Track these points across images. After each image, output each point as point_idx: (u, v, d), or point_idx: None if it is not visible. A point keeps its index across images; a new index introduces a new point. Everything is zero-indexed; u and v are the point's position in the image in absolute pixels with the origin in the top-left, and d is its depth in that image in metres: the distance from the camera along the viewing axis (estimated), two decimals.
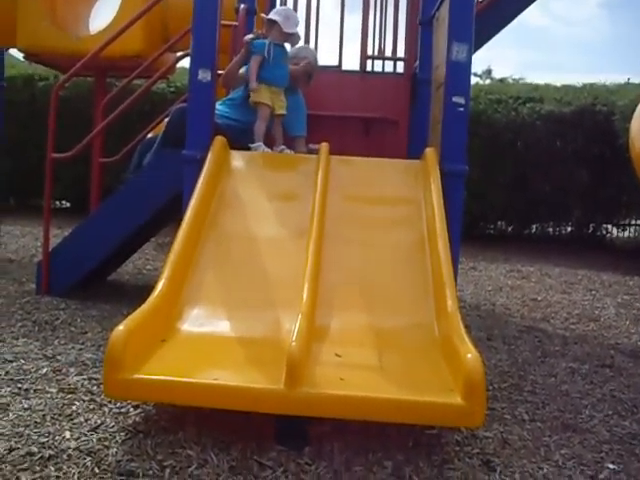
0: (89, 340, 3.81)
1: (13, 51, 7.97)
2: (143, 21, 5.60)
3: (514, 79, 26.17)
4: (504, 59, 60.35)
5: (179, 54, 6.04)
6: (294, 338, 2.46)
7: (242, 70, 4.59)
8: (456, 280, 3.23)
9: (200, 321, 2.92)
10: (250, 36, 4.41)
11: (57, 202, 10.77)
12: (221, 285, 3.12)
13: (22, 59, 7.84)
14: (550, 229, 10.64)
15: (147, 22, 6.02)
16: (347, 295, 3.10)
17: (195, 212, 3.38)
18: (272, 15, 4.38)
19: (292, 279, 3.03)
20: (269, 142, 4.34)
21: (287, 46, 4.48)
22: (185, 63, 5.85)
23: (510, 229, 10.61)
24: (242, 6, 5.19)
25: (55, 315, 4.30)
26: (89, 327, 4.09)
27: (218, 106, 4.48)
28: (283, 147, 4.32)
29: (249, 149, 4.19)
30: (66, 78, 5.21)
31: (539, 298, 6.04)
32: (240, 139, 4.22)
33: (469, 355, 2.42)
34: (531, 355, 4.11)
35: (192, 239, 3.27)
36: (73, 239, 4.89)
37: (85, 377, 3.17)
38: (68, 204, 10.91)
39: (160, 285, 2.90)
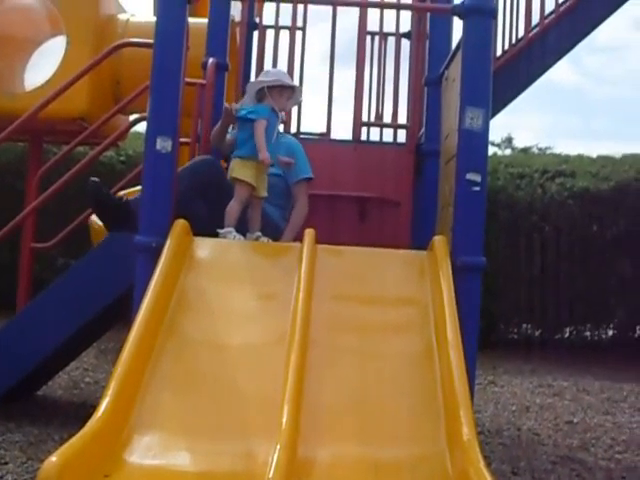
0: (10, 473, 3.76)
1: None
2: (90, 76, 5.71)
3: (540, 149, 26.85)
4: (527, 125, 61.31)
5: (133, 117, 6.14)
6: (272, 474, 2.43)
7: (228, 136, 4.73)
8: (472, 399, 3.23)
9: (153, 452, 2.87)
10: (235, 105, 4.59)
11: None
12: (180, 406, 3.08)
13: None
14: (587, 333, 10.67)
15: (95, 78, 6.14)
16: (337, 419, 3.07)
17: (149, 313, 3.36)
18: (267, 77, 4.51)
19: (269, 399, 3.01)
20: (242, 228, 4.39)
21: None
22: (140, 127, 5.96)
23: (538, 333, 10.64)
24: (210, 60, 5.31)
25: None
26: (10, 456, 4.03)
27: None
28: (259, 234, 4.34)
29: (217, 235, 4.22)
30: None
31: (575, 420, 6.02)
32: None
33: None
34: None
35: (145, 347, 3.24)
36: None
37: None
38: None
39: (104, 405, 2.86)
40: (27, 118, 5.20)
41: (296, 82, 6.08)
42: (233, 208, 4.32)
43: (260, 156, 4.26)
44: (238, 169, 4.34)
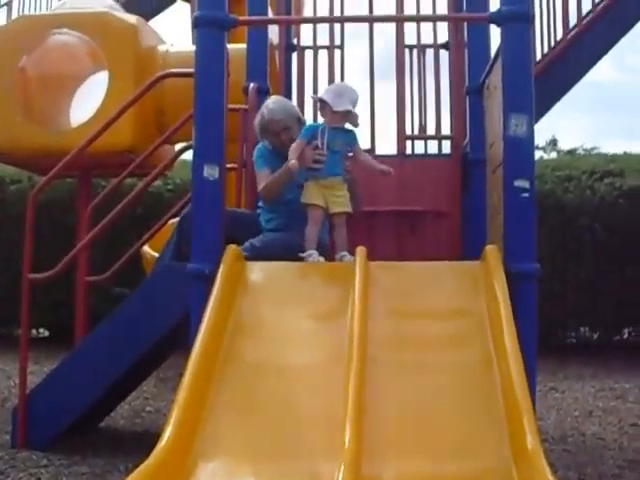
0: None
1: None
2: (134, 109, 5.78)
3: (585, 149, 26.59)
4: (571, 126, 60.74)
5: (179, 146, 6.19)
6: None
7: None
8: (534, 407, 3.20)
9: (218, 478, 2.89)
10: (294, 162, 4.37)
11: (33, 330, 10.86)
12: (243, 431, 3.10)
13: None
14: None
15: (139, 110, 6.20)
16: (400, 435, 3.07)
17: (206, 340, 3.40)
18: (322, 94, 4.52)
19: (330, 419, 3.01)
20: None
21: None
22: (185, 155, 6.02)
23: (596, 336, 10.51)
24: (252, 85, 5.35)
25: (35, 474, 4.30)
26: None
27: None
28: (345, 254, 4.33)
29: (302, 259, 4.27)
30: (47, 180, 5.35)
31: None
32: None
33: None
34: None
35: (204, 374, 3.27)
36: (56, 378, 4.92)
37: None
38: (46, 333, 11.00)
39: (167, 433, 2.89)
40: (76, 154, 5.26)
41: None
42: (309, 231, 4.37)
43: (289, 163, 4.31)
44: (304, 194, 4.42)
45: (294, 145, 4.41)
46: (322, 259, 4.28)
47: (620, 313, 9.89)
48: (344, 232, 4.45)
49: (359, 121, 4.55)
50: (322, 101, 4.45)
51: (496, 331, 3.48)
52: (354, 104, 4.46)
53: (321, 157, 4.36)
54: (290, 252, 4.27)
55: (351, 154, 4.56)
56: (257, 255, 4.30)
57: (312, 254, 4.27)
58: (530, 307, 3.83)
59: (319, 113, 4.61)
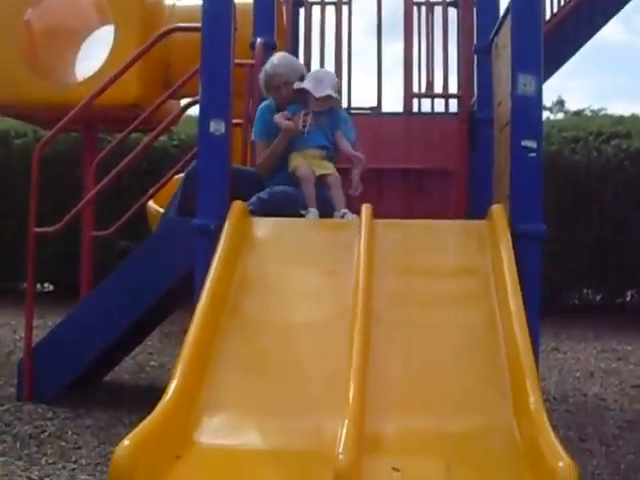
0: (84, 458, 3.82)
1: None
2: (140, 63, 5.74)
3: (592, 111, 26.44)
4: (578, 87, 60.34)
5: (185, 102, 6.16)
6: (341, 449, 2.44)
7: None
8: (537, 367, 3.21)
9: (223, 432, 2.91)
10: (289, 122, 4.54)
11: (38, 285, 10.90)
12: (247, 386, 3.12)
13: None
14: None
15: (145, 64, 6.16)
16: (403, 392, 3.08)
17: (212, 295, 3.40)
18: (303, 83, 4.57)
19: (334, 375, 3.02)
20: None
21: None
22: (191, 111, 5.99)
23: (599, 298, 10.53)
24: (259, 40, 5.32)
25: (41, 427, 4.33)
26: (83, 441, 4.10)
27: None
28: (345, 211, 4.34)
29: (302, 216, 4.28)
30: (52, 134, 5.34)
31: None
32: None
33: (560, 463, 2.39)
34: (637, 458, 4.04)
35: (209, 329, 3.28)
36: (61, 332, 4.95)
37: None
38: (51, 287, 11.04)
39: (172, 388, 2.90)
40: (82, 107, 5.23)
41: (344, 56, 6.07)
42: (306, 189, 4.40)
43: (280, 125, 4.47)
44: (290, 164, 4.50)
45: (278, 115, 4.50)
46: (317, 215, 4.29)
47: (623, 275, 9.91)
48: (339, 191, 4.47)
49: (342, 104, 4.68)
50: (304, 90, 4.50)
51: (501, 291, 3.48)
52: (335, 88, 4.55)
53: (307, 120, 4.45)
54: (297, 205, 4.29)
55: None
56: (265, 207, 4.30)
57: (311, 211, 4.29)
58: (534, 268, 3.82)
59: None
